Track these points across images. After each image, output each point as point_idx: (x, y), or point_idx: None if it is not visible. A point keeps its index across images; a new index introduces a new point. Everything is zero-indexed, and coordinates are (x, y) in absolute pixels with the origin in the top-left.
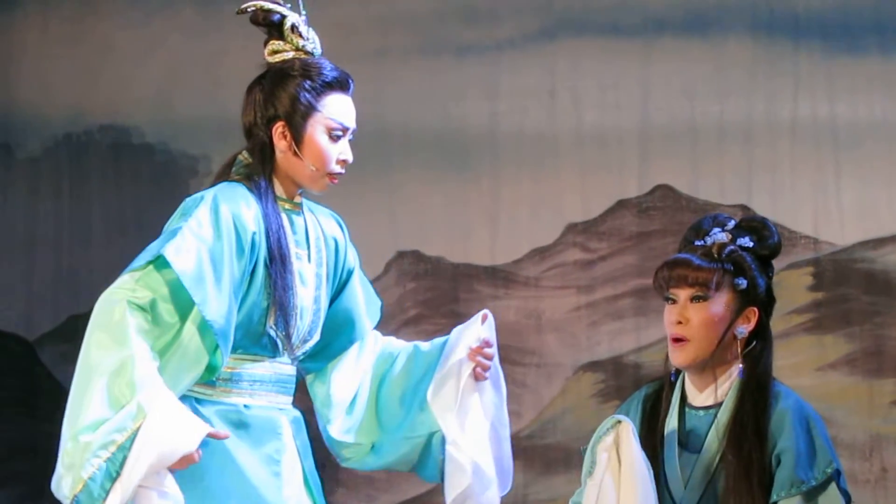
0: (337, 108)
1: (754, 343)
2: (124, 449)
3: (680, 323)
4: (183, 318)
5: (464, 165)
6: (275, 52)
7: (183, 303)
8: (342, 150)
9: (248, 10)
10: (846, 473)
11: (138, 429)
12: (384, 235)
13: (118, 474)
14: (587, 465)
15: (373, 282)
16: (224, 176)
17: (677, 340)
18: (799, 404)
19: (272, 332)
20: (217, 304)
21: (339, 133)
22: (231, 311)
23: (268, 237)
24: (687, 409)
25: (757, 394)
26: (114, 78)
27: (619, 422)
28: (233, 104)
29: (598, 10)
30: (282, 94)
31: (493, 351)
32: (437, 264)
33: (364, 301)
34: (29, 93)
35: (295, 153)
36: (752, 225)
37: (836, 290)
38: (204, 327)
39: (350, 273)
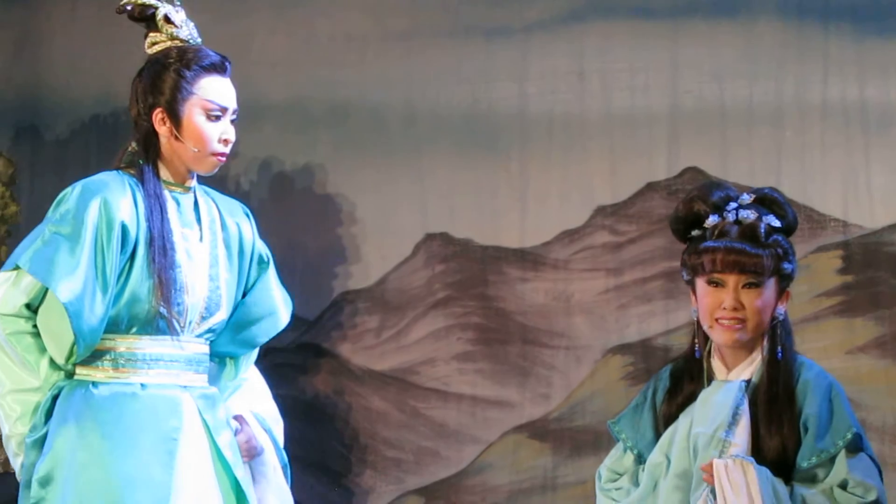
0: (212, 90)
1: (781, 319)
2: None
3: (736, 309)
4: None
5: (493, 148)
6: (153, 43)
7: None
8: (223, 130)
9: (126, 7)
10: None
11: None
12: (413, 218)
13: None
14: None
15: (401, 264)
16: (115, 165)
17: (731, 322)
18: (821, 373)
19: (162, 310)
20: (70, 285)
21: (217, 113)
22: (87, 291)
23: (147, 220)
24: (715, 384)
25: (785, 366)
26: (140, 61)
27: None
28: (260, 86)
29: None
30: (158, 82)
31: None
32: (466, 246)
33: (282, 302)
34: (57, 75)
35: (176, 137)
36: (767, 199)
37: (865, 273)
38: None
39: (262, 264)
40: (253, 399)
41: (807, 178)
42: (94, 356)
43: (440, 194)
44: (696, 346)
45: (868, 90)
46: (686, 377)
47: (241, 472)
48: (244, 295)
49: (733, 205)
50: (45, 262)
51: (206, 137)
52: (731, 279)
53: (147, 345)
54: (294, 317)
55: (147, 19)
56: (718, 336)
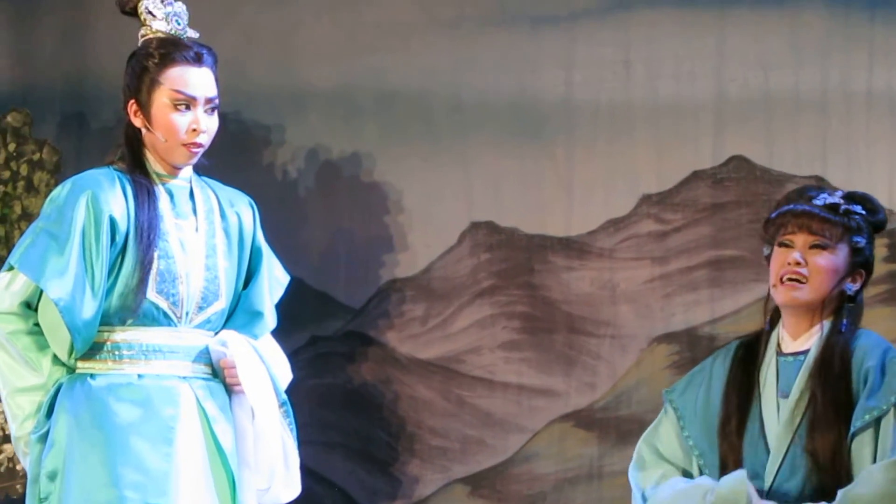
0: (180, 80)
1: (851, 304)
2: None
3: (799, 264)
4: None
5: (538, 136)
6: (142, 37)
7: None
8: (193, 120)
9: (118, 2)
10: None
11: None
12: (458, 206)
13: None
14: None
15: (446, 253)
16: (107, 161)
17: (793, 280)
18: (880, 340)
19: (153, 300)
20: (60, 283)
21: (185, 102)
22: (78, 288)
23: (136, 212)
24: (779, 358)
25: (845, 339)
26: None
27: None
28: (306, 74)
29: None
30: (132, 75)
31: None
32: (512, 235)
33: (268, 306)
34: (103, 63)
35: (147, 128)
36: (859, 197)
37: None
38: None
39: (258, 258)
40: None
41: (852, 167)
42: (93, 349)
43: (486, 183)
44: (768, 319)
45: None
46: (757, 349)
47: (236, 462)
48: (245, 285)
49: (824, 194)
50: (35, 260)
51: (174, 127)
52: (800, 239)
53: (144, 336)
54: (340, 305)
55: (132, 14)
56: (780, 295)
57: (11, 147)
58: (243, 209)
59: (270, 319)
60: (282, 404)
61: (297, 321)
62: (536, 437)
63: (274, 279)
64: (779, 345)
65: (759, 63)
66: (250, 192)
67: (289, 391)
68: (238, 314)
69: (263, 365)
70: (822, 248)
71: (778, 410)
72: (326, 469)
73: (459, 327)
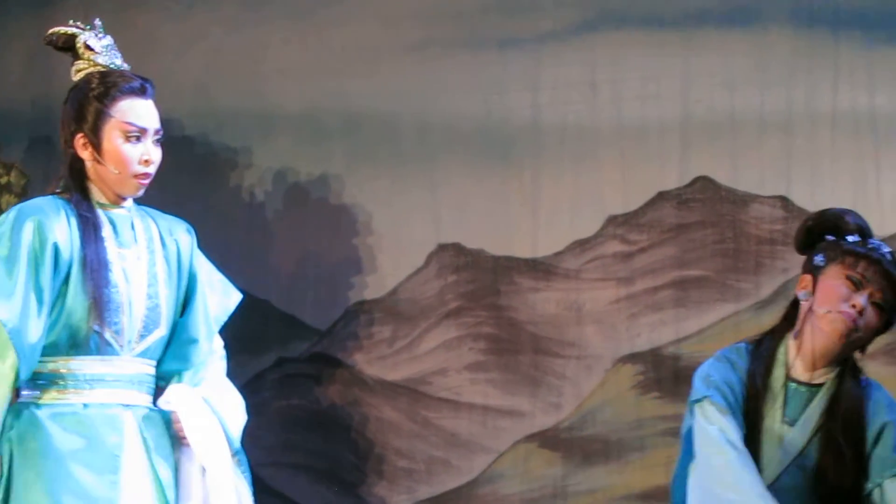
0: (131, 112)
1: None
2: None
3: (862, 313)
4: None
5: (505, 158)
6: (78, 71)
7: None
8: (144, 151)
9: (51, 38)
10: None
11: None
12: (426, 228)
13: None
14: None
15: (413, 275)
16: (50, 190)
17: (852, 317)
18: (888, 394)
19: (97, 329)
20: (9, 305)
21: (136, 134)
22: (26, 311)
23: (81, 242)
24: (789, 383)
25: (855, 379)
26: (154, 70)
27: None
28: (273, 97)
29: (639, 2)
30: (78, 108)
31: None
32: (478, 257)
33: (204, 332)
34: (70, 85)
35: (98, 161)
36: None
37: None
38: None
39: (192, 284)
40: (206, 389)
41: (816, 186)
42: (38, 378)
43: (453, 205)
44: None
45: (878, 98)
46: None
47: (172, 494)
48: (183, 312)
49: (874, 243)
50: None
51: (125, 159)
52: (869, 289)
53: (88, 365)
54: (307, 327)
55: (67, 49)
56: (832, 323)
57: None
58: (182, 236)
59: (206, 345)
60: (235, 453)
61: (264, 343)
62: (501, 458)
63: (216, 304)
64: (788, 368)
65: (725, 84)
66: (218, 214)
67: (256, 412)
68: (174, 342)
69: (214, 416)
70: (882, 309)
71: (779, 435)
72: (293, 490)
73: (426, 349)
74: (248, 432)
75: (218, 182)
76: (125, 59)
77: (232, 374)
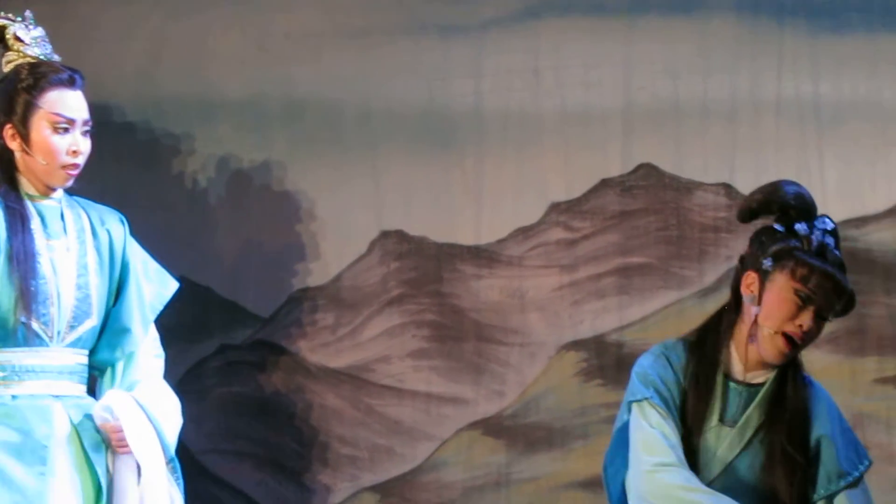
0: (59, 103)
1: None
2: None
3: (807, 333)
4: None
5: (448, 145)
6: (8, 62)
7: None
8: (72, 142)
9: None
10: None
11: None
12: (368, 215)
13: None
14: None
15: (356, 262)
16: None
17: (796, 341)
18: (830, 397)
19: (24, 321)
20: None
21: (64, 125)
22: None
23: (8, 234)
24: (729, 382)
25: (796, 375)
26: (96, 57)
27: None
28: (216, 83)
29: None
30: (7, 100)
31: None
32: (421, 244)
33: (138, 320)
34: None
35: (26, 152)
36: (837, 231)
37: None
38: None
39: (125, 273)
40: (142, 393)
41: (760, 174)
42: None
43: (395, 191)
44: (724, 332)
45: (822, 86)
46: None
47: (105, 482)
48: (115, 302)
49: (821, 225)
50: None
51: (53, 150)
52: (816, 305)
53: (17, 357)
54: (249, 314)
55: (1, 40)
56: (773, 346)
57: None
58: (114, 226)
59: (140, 334)
60: (169, 461)
61: (206, 330)
62: (445, 446)
63: (151, 293)
64: (727, 367)
65: (668, 71)
66: (160, 201)
67: (198, 399)
68: (107, 332)
69: (150, 424)
70: (824, 319)
71: (717, 435)
72: (235, 478)
73: (369, 336)
74: (190, 419)
75: (160, 169)
76: (67, 45)
77: (174, 361)
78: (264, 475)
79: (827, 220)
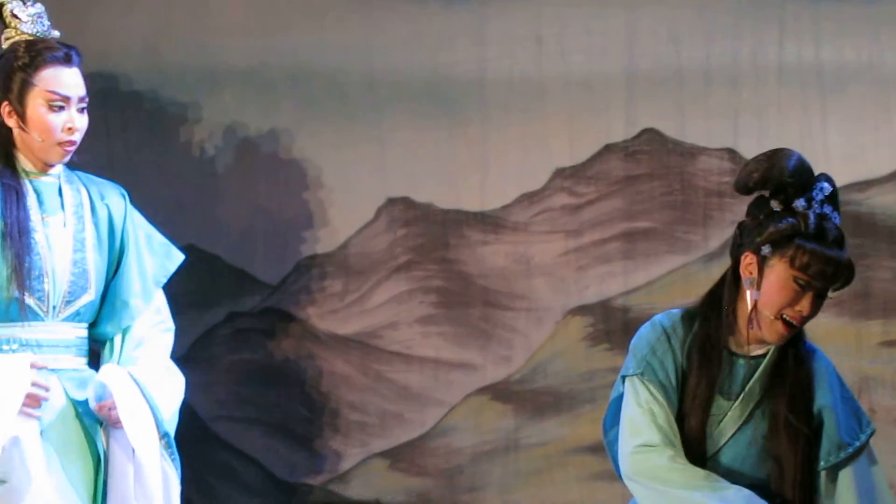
0: (54, 80)
1: None
2: None
3: (804, 316)
4: None
5: (452, 112)
6: (6, 40)
7: None
8: (68, 119)
9: None
10: None
11: None
12: (374, 183)
13: None
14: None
15: (363, 229)
16: None
17: (797, 323)
18: (832, 364)
19: (18, 296)
20: None
21: (60, 103)
22: None
23: (2, 210)
24: (731, 357)
25: (797, 346)
26: (101, 26)
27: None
28: (220, 51)
29: None
30: (4, 77)
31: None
32: (427, 210)
33: (139, 292)
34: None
35: (22, 129)
36: (836, 194)
37: None
38: None
39: (125, 242)
40: (139, 369)
41: (763, 139)
42: None
43: (401, 159)
44: (725, 308)
45: (823, 51)
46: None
47: (101, 449)
48: (114, 276)
49: (819, 195)
50: None
51: (49, 127)
52: (817, 287)
53: (13, 331)
54: (258, 281)
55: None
56: (773, 331)
57: None
58: (114, 200)
59: (140, 306)
60: (163, 436)
61: (215, 298)
62: (453, 411)
63: (154, 265)
64: (727, 341)
65: (670, 37)
66: (168, 169)
67: (208, 367)
68: (106, 305)
69: (144, 399)
70: (823, 297)
71: (718, 409)
72: (245, 445)
73: (377, 302)
74: (200, 387)
75: (167, 138)
76: (72, 16)
77: (183, 330)
78: (274, 442)
79: (825, 184)
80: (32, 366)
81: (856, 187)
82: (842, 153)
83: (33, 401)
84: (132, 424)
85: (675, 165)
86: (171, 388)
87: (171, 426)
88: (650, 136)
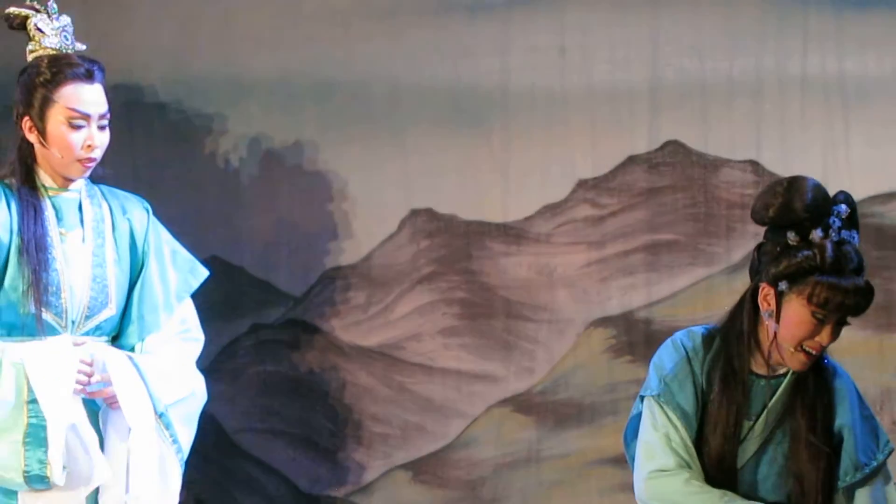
0: (74, 98)
1: None
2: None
3: (824, 346)
4: None
5: (475, 123)
6: (30, 52)
7: None
8: (88, 137)
9: (6, 17)
10: None
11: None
12: (398, 194)
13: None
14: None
15: (386, 240)
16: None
17: (816, 353)
18: (852, 381)
19: (35, 311)
20: None
21: (80, 121)
22: None
23: (20, 226)
24: (751, 378)
25: (818, 364)
26: (127, 37)
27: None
28: (246, 63)
29: None
30: (25, 92)
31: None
32: (450, 222)
33: (161, 305)
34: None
35: (43, 144)
36: (855, 214)
37: None
38: None
39: (146, 259)
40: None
41: (787, 151)
42: None
43: (424, 170)
44: (745, 332)
45: (847, 63)
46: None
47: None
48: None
49: (836, 221)
50: None
51: (69, 144)
52: (835, 317)
53: None
54: (281, 293)
55: (21, 29)
56: (795, 360)
57: None
58: (136, 214)
59: (161, 320)
60: (159, 416)
61: (239, 309)
62: (476, 423)
63: (177, 280)
64: (749, 363)
65: (694, 48)
66: (192, 181)
67: (232, 378)
68: (127, 318)
69: (141, 380)
70: (843, 323)
71: (739, 429)
72: (269, 456)
73: (400, 314)
74: (224, 398)
75: (192, 149)
76: (100, 26)
77: (208, 341)
78: (298, 453)
79: (843, 207)
80: (74, 345)
81: (878, 199)
82: (864, 165)
83: (81, 380)
84: (127, 402)
85: (699, 177)
86: (172, 374)
87: (174, 412)
88: (673, 148)
